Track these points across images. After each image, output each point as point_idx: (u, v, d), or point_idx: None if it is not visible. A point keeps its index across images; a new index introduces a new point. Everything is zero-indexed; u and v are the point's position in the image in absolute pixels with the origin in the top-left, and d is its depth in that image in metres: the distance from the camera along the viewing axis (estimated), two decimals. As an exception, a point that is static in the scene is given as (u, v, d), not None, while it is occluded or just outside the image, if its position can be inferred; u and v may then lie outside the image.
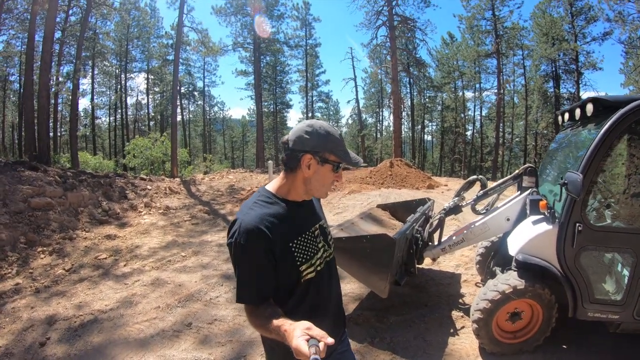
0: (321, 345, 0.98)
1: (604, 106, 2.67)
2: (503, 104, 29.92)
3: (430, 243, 4.05)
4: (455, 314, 3.81)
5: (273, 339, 1.18)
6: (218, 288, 4.53)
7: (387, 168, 13.58)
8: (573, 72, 26.43)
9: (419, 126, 39.20)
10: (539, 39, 26.15)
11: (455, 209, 3.94)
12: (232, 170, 19.32)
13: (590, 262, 2.80)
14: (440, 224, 4.06)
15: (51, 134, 25.70)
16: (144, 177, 12.73)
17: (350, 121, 40.96)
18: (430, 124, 39.76)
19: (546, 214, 2.90)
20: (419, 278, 4.66)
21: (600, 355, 2.99)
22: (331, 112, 43.99)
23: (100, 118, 35.87)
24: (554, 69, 27.50)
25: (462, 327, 3.52)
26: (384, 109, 38.70)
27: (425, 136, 40.74)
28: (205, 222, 8.04)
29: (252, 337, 3.38)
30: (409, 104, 36.74)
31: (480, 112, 34.63)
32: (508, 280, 2.88)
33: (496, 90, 28.99)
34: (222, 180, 14.07)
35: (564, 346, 3.12)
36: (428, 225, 4.02)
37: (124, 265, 5.47)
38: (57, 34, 24.96)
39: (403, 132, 37.44)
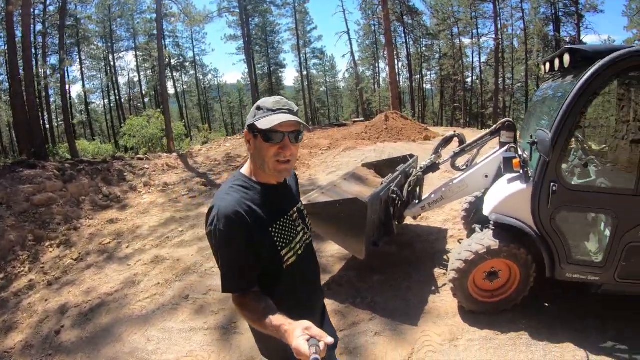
0: (321, 345, 0.98)
1: (582, 57, 2.46)
2: (502, 49, 28.66)
3: (414, 201, 4.04)
4: (437, 271, 3.84)
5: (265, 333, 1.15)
6: (212, 259, 4.68)
7: (382, 122, 13.40)
8: (573, 14, 25.26)
9: (418, 76, 37.90)
10: (537, -21, 24.42)
11: (432, 167, 3.90)
12: (228, 137, 19.11)
13: (568, 222, 2.71)
14: (418, 183, 4.06)
15: (47, 126, 25.48)
16: (142, 156, 12.67)
17: (347, 75, 39.81)
18: (428, 72, 38.45)
19: (520, 172, 2.78)
20: (405, 235, 4.68)
21: (581, 315, 2.91)
22: (327, 68, 42.73)
23: (94, 102, 35.24)
24: (553, 11, 26.12)
25: (444, 285, 3.53)
26: (380, 61, 37.28)
27: (425, 85, 39.49)
28: (202, 194, 8.11)
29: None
30: (406, 53, 35.29)
31: (479, 58, 33.13)
32: (482, 240, 2.84)
33: (494, 36, 27.62)
34: (219, 149, 14.02)
35: (546, 304, 3.12)
36: (407, 184, 3.96)
37: (127, 247, 5.63)
38: (39, 27, 24.05)
39: (401, 83, 36.33)
